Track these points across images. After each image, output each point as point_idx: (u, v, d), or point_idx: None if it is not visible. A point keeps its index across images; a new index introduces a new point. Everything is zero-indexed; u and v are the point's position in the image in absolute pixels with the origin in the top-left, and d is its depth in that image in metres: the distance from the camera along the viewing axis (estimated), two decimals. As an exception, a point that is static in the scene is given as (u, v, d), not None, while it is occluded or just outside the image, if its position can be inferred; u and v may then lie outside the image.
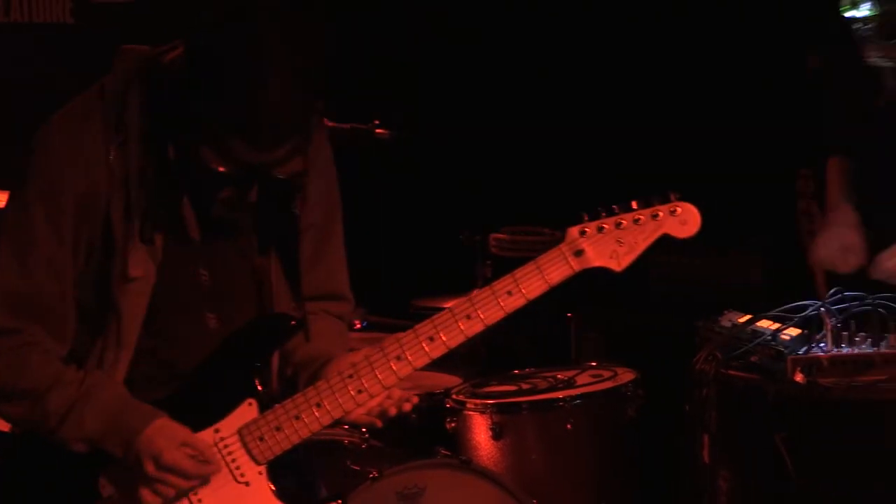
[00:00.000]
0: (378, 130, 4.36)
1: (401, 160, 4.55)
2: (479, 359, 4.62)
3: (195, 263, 2.66)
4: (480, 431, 4.11)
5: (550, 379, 4.31)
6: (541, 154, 5.56)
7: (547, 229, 4.67)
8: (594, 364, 4.44)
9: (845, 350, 3.23)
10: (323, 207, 2.78)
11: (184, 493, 2.60)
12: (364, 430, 3.97)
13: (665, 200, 2.75)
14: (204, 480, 2.61)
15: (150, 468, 2.54)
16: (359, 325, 4.84)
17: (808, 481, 3.13)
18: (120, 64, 2.61)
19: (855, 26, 3.56)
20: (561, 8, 5.51)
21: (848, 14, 3.55)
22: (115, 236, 2.56)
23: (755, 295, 3.67)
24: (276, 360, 2.77)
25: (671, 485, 4.04)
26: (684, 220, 2.75)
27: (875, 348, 3.21)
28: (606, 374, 4.31)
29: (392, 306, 4.91)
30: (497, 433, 4.06)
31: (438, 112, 5.53)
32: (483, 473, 3.73)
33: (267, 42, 2.42)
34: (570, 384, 4.23)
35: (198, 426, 2.62)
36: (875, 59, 3.59)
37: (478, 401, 4.16)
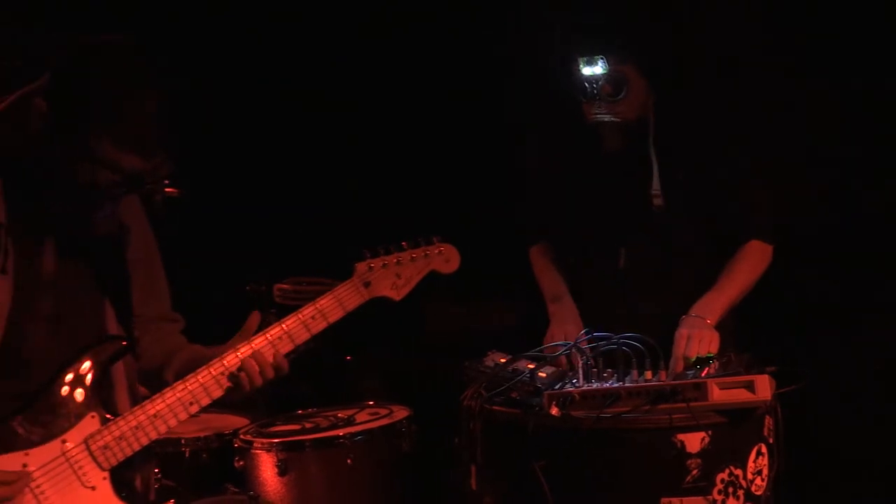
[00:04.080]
0: (168, 189, 4.34)
1: (190, 216, 4.52)
2: (264, 401, 4.61)
3: (44, 289, 2.80)
4: (267, 468, 4.11)
5: (332, 418, 4.35)
6: (318, 209, 5.60)
7: (327, 280, 4.70)
8: (372, 403, 4.50)
9: (594, 385, 3.32)
10: (144, 246, 3.00)
11: None
12: (157, 469, 3.93)
13: (429, 242, 3.16)
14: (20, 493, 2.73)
15: None
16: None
17: (563, 503, 3.20)
18: None
19: (585, 84, 3.62)
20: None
21: (584, 70, 3.60)
22: None
23: (515, 337, 3.76)
24: (121, 375, 2.93)
25: (443, 512, 4.11)
26: (448, 258, 3.17)
27: (620, 383, 3.31)
28: (383, 411, 4.37)
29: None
30: (282, 470, 4.08)
31: (225, 172, 5.51)
32: (270, 508, 3.75)
33: (136, 73, 2.67)
34: (349, 422, 4.27)
35: (45, 438, 2.76)
36: (600, 116, 3.65)
37: (264, 440, 4.17)
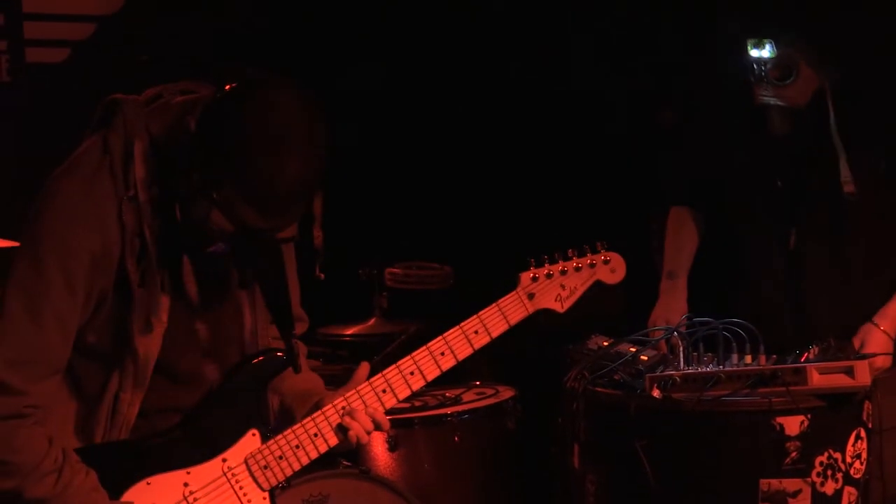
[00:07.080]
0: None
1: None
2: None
3: (192, 306, 2.59)
4: (378, 444, 4.13)
5: (440, 396, 4.35)
6: (430, 196, 5.59)
7: (436, 264, 4.72)
8: (478, 383, 4.50)
9: (695, 368, 3.29)
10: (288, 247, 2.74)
11: None
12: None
13: (595, 251, 2.89)
14: None
15: None
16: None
17: (663, 483, 3.20)
18: (121, 117, 2.49)
19: (753, 66, 3.51)
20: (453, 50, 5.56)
21: (752, 53, 3.49)
22: (131, 284, 2.47)
23: (617, 321, 3.73)
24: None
25: (546, 488, 4.11)
26: (613, 268, 2.91)
27: (720, 367, 3.28)
28: (489, 391, 4.37)
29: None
30: (392, 445, 4.10)
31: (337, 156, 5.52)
32: (381, 482, 3.77)
33: (289, 128, 2.38)
34: (457, 401, 4.28)
35: (206, 456, 2.59)
36: (766, 98, 3.56)
37: (375, 417, 4.19)
